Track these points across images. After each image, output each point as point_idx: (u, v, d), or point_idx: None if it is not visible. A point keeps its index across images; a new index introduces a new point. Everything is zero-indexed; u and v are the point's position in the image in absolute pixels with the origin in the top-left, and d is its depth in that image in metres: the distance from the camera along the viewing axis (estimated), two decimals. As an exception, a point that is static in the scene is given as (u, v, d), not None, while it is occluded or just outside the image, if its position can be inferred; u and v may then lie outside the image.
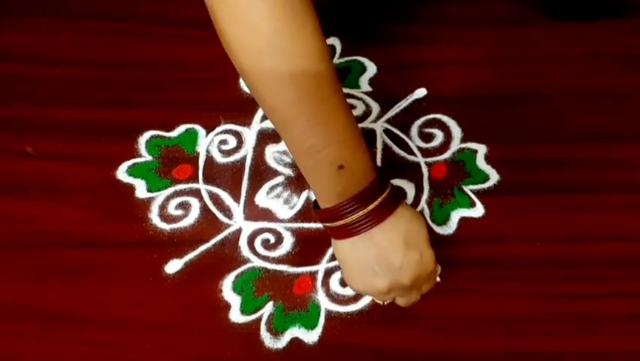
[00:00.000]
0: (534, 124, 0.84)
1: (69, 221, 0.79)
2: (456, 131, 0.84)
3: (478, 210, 0.78)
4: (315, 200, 0.66)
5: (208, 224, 0.79)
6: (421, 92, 0.88)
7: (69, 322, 0.73)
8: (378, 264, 0.63)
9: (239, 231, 0.78)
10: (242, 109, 0.88)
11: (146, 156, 0.84)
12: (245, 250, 0.77)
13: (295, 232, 0.78)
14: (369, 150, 0.64)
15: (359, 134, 0.63)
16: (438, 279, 0.69)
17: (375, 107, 0.87)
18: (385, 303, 0.70)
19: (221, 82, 0.90)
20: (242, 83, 0.90)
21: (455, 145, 0.83)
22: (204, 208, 0.80)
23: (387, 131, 0.85)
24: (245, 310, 0.72)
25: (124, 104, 0.89)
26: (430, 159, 0.82)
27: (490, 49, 0.92)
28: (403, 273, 0.64)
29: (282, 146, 0.84)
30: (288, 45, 0.58)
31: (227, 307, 0.73)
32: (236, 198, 0.80)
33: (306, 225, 0.78)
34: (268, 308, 0.72)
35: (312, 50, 0.59)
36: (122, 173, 0.83)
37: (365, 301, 0.73)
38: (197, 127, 0.86)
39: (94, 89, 0.91)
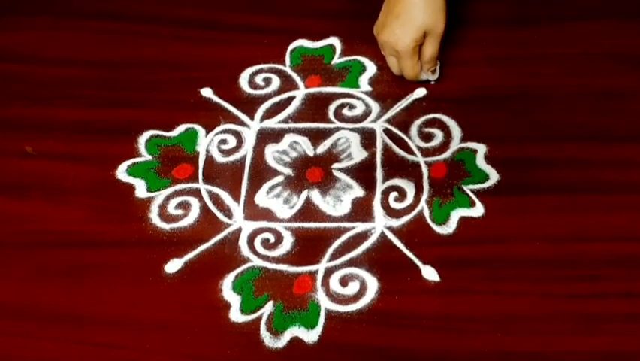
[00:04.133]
0: (534, 124, 0.84)
1: (69, 221, 0.79)
2: (456, 131, 0.84)
3: (477, 210, 0.78)
4: None
5: (208, 224, 0.79)
6: (420, 92, 0.88)
7: (69, 322, 0.73)
8: (384, 15, 0.85)
9: (239, 230, 0.78)
10: (242, 109, 0.88)
11: (145, 156, 0.84)
12: (245, 250, 0.77)
13: (295, 232, 0.78)
14: None
15: None
16: (435, 75, 0.87)
17: (375, 107, 0.87)
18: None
19: (221, 82, 0.90)
20: (242, 83, 0.90)
21: (455, 145, 0.83)
22: (204, 208, 0.80)
23: (387, 131, 0.85)
24: (245, 309, 0.72)
25: (124, 103, 0.89)
26: (429, 159, 0.82)
27: (490, 49, 0.92)
28: (381, 29, 0.85)
29: (281, 145, 0.84)
30: None
31: (227, 306, 0.73)
32: (236, 198, 0.80)
33: (306, 224, 0.78)
34: (268, 308, 0.72)
35: None
36: (121, 173, 0.83)
37: (365, 301, 0.73)
38: (197, 127, 0.86)
39: (94, 89, 0.91)
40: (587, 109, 0.85)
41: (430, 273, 0.73)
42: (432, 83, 0.87)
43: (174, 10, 0.98)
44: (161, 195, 0.81)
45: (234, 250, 0.76)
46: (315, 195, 0.80)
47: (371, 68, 0.91)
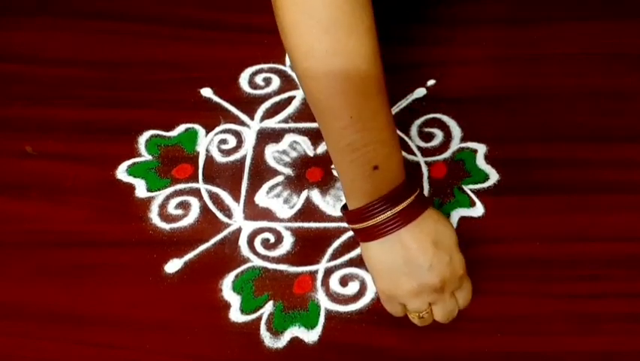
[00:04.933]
0: (534, 124, 0.84)
1: (69, 221, 0.79)
2: (456, 130, 0.84)
3: (477, 210, 0.78)
4: (345, 204, 0.66)
5: (208, 224, 0.79)
6: (420, 92, 0.88)
7: (69, 322, 0.73)
8: (406, 265, 0.62)
9: (239, 230, 0.78)
10: (242, 109, 0.88)
11: (145, 156, 0.84)
12: (245, 250, 0.77)
13: (295, 232, 0.78)
14: (401, 151, 0.64)
15: (396, 136, 0.64)
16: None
17: (375, 107, 0.87)
18: (422, 317, 0.66)
19: (221, 82, 0.90)
20: (242, 83, 0.90)
21: (455, 145, 0.83)
22: (204, 208, 0.80)
23: (387, 131, 0.85)
24: (245, 309, 0.72)
25: (124, 103, 0.89)
26: (429, 159, 0.82)
27: (490, 49, 0.92)
28: (432, 273, 0.62)
29: (281, 145, 0.84)
30: (344, 37, 0.58)
31: (227, 306, 0.73)
32: (236, 198, 0.80)
33: (306, 224, 0.78)
34: (268, 308, 0.72)
35: (367, 46, 0.59)
36: (121, 172, 0.83)
37: (365, 300, 0.73)
38: (197, 127, 0.86)
39: (94, 89, 0.91)
40: (587, 109, 0.85)
41: (430, 273, 0.73)
42: None
43: (174, 10, 0.98)
44: (161, 195, 0.81)
45: (234, 250, 0.77)
46: (315, 195, 0.80)
47: (371, 68, 0.91)
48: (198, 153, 0.84)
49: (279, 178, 0.82)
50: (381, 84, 0.61)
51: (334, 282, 0.74)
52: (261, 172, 0.83)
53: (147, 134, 0.86)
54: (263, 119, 0.87)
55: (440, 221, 0.64)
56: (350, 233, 0.77)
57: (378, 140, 0.61)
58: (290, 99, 0.89)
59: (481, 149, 0.82)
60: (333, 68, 0.59)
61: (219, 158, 0.84)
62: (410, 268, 0.63)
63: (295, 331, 0.71)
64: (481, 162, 0.81)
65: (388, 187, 0.62)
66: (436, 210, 0.65)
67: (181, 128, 0.86)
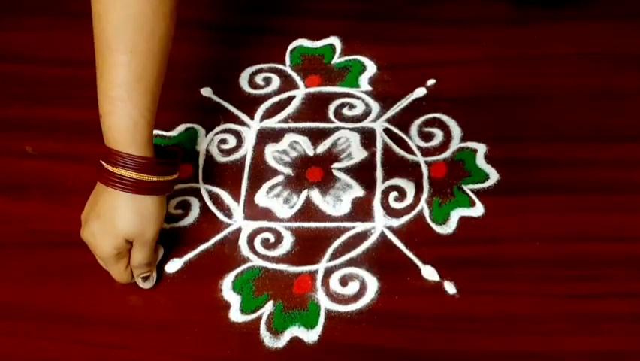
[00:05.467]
0: (534, 124, 0.84)
1: (69, 221, 0.79)
2: (456, 130, 0.84)
3: (477, 210, 0.78)
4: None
5: (208, 223, 0.79)
6: (420, 92, 0.88)
7: (69, 322, 0.73)
8: (88, 202, 0.72)
9: (238, 230, 0.78)
10: (242, 108, 0.88)
11: (145, 156, 0.84)
12: (244, 250, 0.77)
13: (295, 232, 0.78)
14: (144, 125, 0.69)
15: (125, 105, 0.68)
16: (149, 282, 0.73)
17: (375, 107, 0.87)
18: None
19: (221, 81, 0.90)
20: (242, 83, 0.90)
21: (455, 144, 0.83)
22: (204, 208, 0.80)
23: (387, 131, 0.85)
24: (244, 309, 0.72)
25: (124, 103, 0.89)
26: (429, 159, 0.82)
27: (490, 49, 0.92)
28: (83, 224, 0.72)
29: (281, 145, 0.84)
30: None
31: (226, 306, 0.73)
32: (236, 198, 0.80)
33: (305, 224, 0.78)
34: (268, 308, 0.72)
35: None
36: (121, 173, 0.83)
37: (365, 300, 0.72)
38: (197, 126, 0.86)
39: (94, 89, 0.90)
40: (587, 109, 0.85)
41: (430, 273, 0.73)
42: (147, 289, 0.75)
43: (174, 10, 0.98)
44: (161, 195, 0.81)
45: (234, 250, 0.76)
46: (315, 194, 0.80)
47: (371, 68, 0.91)
48: (198, 152, 0.84)
49: (279, 178, 0.82)
50: (160, 44, 0.71)
51: (334, 282, 0.74)
52: (260, 172, 0.82)
53: (147, 134, 0.86)
54: (263, 119, 0.87)
55: (120, 215, 0.68)
56: (350, 233, 0.77)
57: (108, 94, 0.68)
58: (290, 99, 0.89)
59: (481, 149, 0.82)
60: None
61: (219, 158, 0.84)
62: (86, 213, 0.72)
63: (295, 331, 0.71)
64: (481, 161, 0.81)
65: (111, 143, 0.68)
66: (139, 202, 0.69)
67: (181, 128, 0.86)
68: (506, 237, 0.76)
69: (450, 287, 0.72)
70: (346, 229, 0.77)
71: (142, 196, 0.69)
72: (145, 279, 0.73)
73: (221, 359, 0.70)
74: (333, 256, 0.75)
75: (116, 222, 0.69)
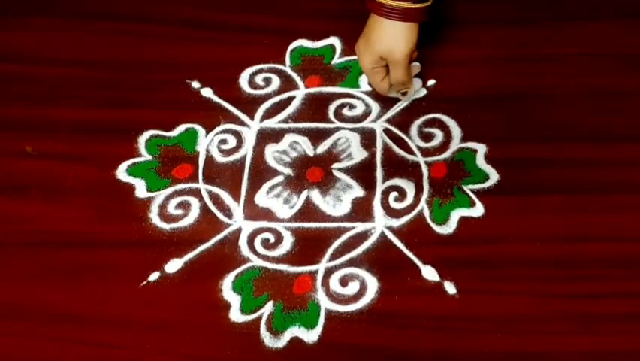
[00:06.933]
0: (534, 124, 0.85)
1: (69, 221, 0.79)
2: (456, 130, 0.84)
3: (477, 210, 0.78)
4: None
5: (208, 224, 0.79)
6: (420, 92, 0.88)
7: (69, 322, 0.73)
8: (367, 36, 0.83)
9: (239, 230, 0.78)
10: (242, 109, 0.88)
11: (145, 156, 0.84)
12: (245, 250, 0.77)
13: (295, 232, 0.78)
14: None
15: None
16: (407, 97, 0.86)
17: (375, 107, 0.87)
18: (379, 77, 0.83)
19: (221, 82, 0.90)
20: (242, 83, 0.91)
21: (455, 145, 0.83)
22: (204, 208, 0.80)
23: (387, 131, 0.85)
24: (245, 309, 0.72)
25: (124, 104, 0.89)
26: (429, 159, 0.82)
27: (490, 49, 0.92)
28: (359, 39, 0.84)
29: (281, 145, 0.84)
30: None
31: (227, 306, 0.73)
32: (236, 198, 0.80)
33: (305, 224, 0.78)
34: (268, 308, 0.72)
35: None
36: (121, 172, 0.83)
37: (365, 300, 0.73)
38: (197, 127, 0.86)
39: (94, 89, 0.91)
40: (587, 109, 0.85)
41: (430, 273, 0.73)
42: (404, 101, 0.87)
43: (174, 10, 0.98)
44: (161, 195, 0.81)
45: (234, 250, 0.76)
46: (315, 195, 0.80)
47: (371, 68, 0.91)
48: (198, 153, 0.84)
49: (279, 178, 0.82)
50: None
51: (334, 282, 0.74)
52: (261, 172, 0.83)
53: (147, 135, 0.86)
54: (263, 119, 0.87)
55: (376, 35, 0.80)
56: (350, 233, 0.77)
57: None
58: (290, 99, 0.89)
59: (481, 149, 0.82)
60: None
61: (219, 158, 0.84)
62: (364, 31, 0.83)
63: (295, 331, 0.71)
64: (481, 162, 0.81)
65: None
66: (405, 28, 0.79)
67: (181, 128, 0.86)
68: (506, 237, 0.76)
69: (450, 287, 0.72)
70: (346, 229, 0.77)
71: (394, 22, 0.79)
72: (403, 94, 0.85)
73: (221, 359, 0.70)
74: (333, 256, 0.75)
75: (372, 40, 0.81)
